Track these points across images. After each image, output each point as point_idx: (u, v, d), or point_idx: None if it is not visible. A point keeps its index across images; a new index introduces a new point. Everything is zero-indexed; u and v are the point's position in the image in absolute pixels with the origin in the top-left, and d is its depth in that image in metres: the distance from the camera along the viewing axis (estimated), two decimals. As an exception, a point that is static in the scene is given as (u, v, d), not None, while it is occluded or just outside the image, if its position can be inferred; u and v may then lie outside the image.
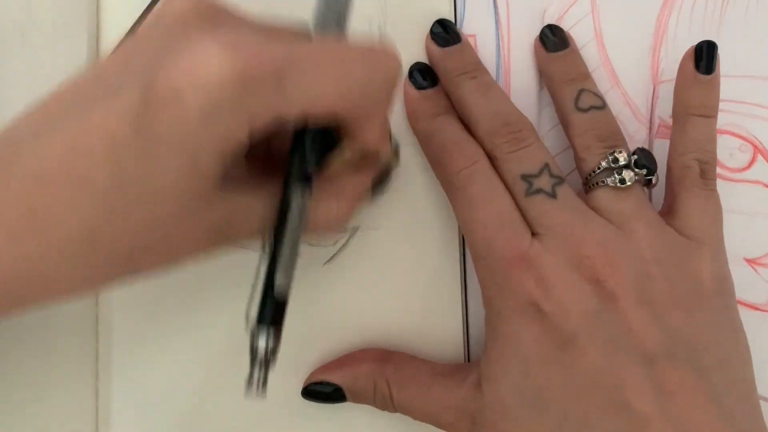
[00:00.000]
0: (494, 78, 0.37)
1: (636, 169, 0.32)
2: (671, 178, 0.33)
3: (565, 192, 0.32)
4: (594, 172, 0.32)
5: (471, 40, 0.38)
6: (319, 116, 0.26)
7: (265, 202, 0.29)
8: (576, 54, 0.36)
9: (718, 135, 0.35)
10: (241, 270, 0.39)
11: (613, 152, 0.32)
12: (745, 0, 0.35)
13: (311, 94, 0.25)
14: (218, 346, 0.39)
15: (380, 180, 0.36)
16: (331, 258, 0.39)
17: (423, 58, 0.38)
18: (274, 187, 0.29)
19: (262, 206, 0.29)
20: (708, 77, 0.33)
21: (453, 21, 0.38)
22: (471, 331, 0.38)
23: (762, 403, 0.34)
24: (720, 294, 0.31)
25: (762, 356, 0.33)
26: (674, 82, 0.34)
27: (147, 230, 0.25)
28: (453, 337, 0.38)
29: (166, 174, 0.24)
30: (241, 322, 0.37)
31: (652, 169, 0.32)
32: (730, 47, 0.35)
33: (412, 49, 0.38)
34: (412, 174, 0.38)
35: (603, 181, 0.32)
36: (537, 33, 0.37)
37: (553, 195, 0.31)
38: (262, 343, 0.28)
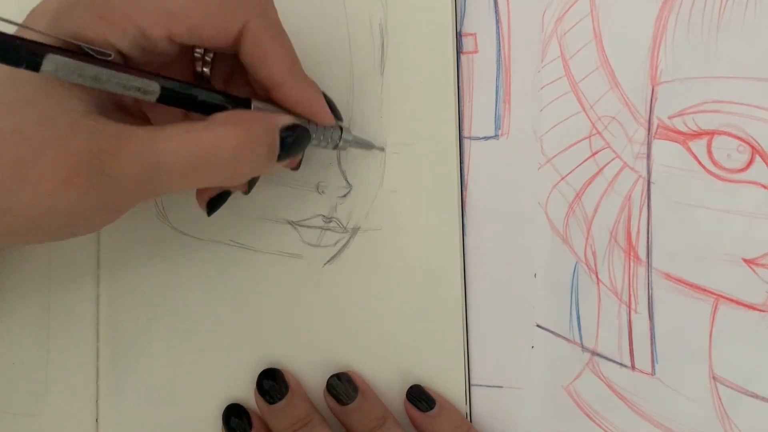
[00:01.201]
0: (494, 78, 0.38)
1: None
2: None
3: None
4: None
5: (471, 39, 0.38)
6: (182, 34, 0.29)
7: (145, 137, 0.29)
8: (371, 398, 0.37)
9: (717, 135, 0.35)
10: (240, 269, 0.39)
11: None
12: (744, 0, 0.35)
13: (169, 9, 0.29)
14: (217, 342, 0.39)
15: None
16: (332, 258, 0.39)
17: (424, 59, 0.38)
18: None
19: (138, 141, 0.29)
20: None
21: (454, 20, 0.38)
22: (470, 330, 0.38)
23: (761, 403, 0.34)
24: None
25: (761, 356, 0.33)
26: (674, 82, 0.34)
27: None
28: (452, 337, 0.38)
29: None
30: (241, 322, 0.37)
31: None
32: (729, 48, 0.35)
33: (414, 48, 0.38)
34: (411, 175, 0.38)
35: None
36: (537, 33, 0.37)
37: None
38: None
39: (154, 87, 0.29)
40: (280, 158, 0.31)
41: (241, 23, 0.30)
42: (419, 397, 0.37)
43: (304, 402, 0.37)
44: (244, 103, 0.31)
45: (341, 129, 0.35)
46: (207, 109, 0.30)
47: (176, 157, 0.28)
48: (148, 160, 0.28)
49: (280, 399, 0.36)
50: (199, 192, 0.35)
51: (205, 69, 0.33)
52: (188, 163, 0.28)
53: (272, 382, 0.37)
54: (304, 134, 0.32)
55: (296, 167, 0.36)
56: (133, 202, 0.30)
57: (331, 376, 0.37)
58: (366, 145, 0.38)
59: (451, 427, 0.36)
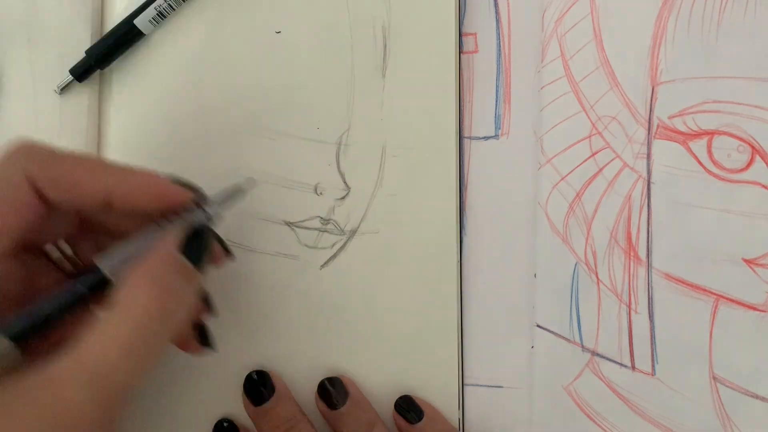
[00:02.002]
0: (494, 78, 0.37)
1: None
2: None
3: None
4: None
5: (471, 39, 0.37)
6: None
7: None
8: (361, 403, 0.37)
9: (717, 135, 0.35)
10: (236, 268, 0.38)
11: None
12: (744, 0, 0.35)
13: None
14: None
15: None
16: (329, 260, 0.38)
17: (426, 62, 0.38)
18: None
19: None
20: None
21: (457, 23, 0.37)
22: (469, 330, 0.38)
23: (761, 403, 0.34)
24: None
25: (761, 356, 0.33)
26: (674, 82, 0.34)
27: None
28: (448, 338, 0.38)
29: None
30: (236, 321, 0.37)
31: None
32: (728, 48, 0.35)
33: (417, 52, 0.38)
34: (409, 178, 0.38)
35: None
36: (537, 33, 0.37)
37: None
38: None
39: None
40: (201, 270, 0.29)
41: (21, 184, 0.27)
42: (408, 408, 0.37)
43: (291, 404, 0.37)
44: (93, 270, 0.28)
45: (204, 198, 0.31)
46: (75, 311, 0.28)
47: (110, 360, 0.26)
48: (84, 383, 0.25)
49: (266, 400, 0.36)
50: (179, 345, 0.33)
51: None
52: (125, 356, 0.26)
53: (259, 384, 0.37)
54: (199, 231, 0.30)
55: (229, 255, 0.34)
56: (98, 420, 0.26)
57: (323, 380, 0.37)
58: (236, 193, 0.32)
59: None
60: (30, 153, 0.28)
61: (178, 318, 0.28)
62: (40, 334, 0.27)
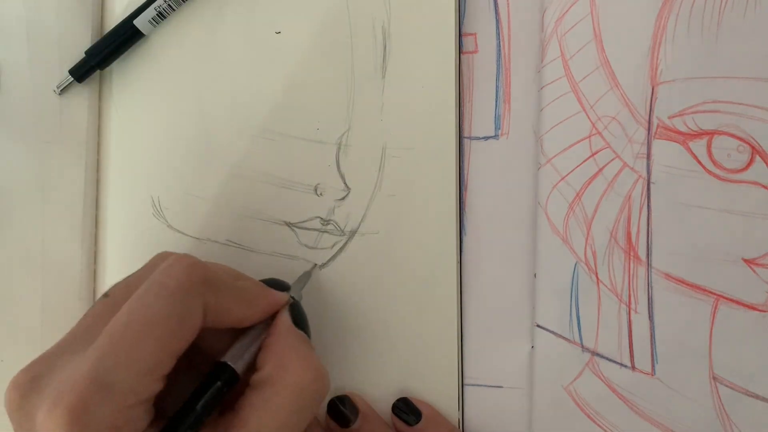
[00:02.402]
0: (494, 78, 0.37)
1: None
2: None
3: None
4: None
5: (471, 39, 0.37)
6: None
7: None
8: (371, 418, 0.37)
9: (717, 135, 0.35)
10: (237, 269, 0.38)
11: None
12: (744, 0, 0.35)
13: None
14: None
15: None
16: (329, 261, 0.38)
17: (426, 63, 0.37)
18: None
19: None
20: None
21: (457, 24, 0.37)
22: (465, 333, 0.38)
23: (761, 403, 0.34)
24: None
25: (761, 356, 0.33)
26: (674, 82, 0.34)
27: None
28: (448, 338, 0.38)
29: None
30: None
31: None
32: (728, 48, 0.35)
33: (417, 53, 0.38)
34: (409, 179, 0.38)
35: None
36: (537, 33, 0.37)
37: None
38: None
39: None
40: (309, 335, 0.33)
41: (199, 317, 0.29)
42: (405, 410, 0.37)
43: (379, 424, 0.37)
44: (222, 368, 0.31)
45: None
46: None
47: None
48: None
49: (352, 422, 0.37)
50: None
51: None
52: None
53: (342, 407, 0.37)
54: (299, 308, 0.34)
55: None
56: None
57: (332, 399, 0.37)
58: (307, 277, 0.38)
59: None
60: (205, 281, 0.30)
61: (325, 379, 0.30)
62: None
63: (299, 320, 0.33)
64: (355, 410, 0.37)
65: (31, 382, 0.27)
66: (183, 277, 0.29)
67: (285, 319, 0.32)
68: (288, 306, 0.33)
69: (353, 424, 0.36)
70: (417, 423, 0.36)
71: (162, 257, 0.32)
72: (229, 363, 0.30)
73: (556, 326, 0.37)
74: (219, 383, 0.30)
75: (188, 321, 0.28)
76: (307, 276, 0.38)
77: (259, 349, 0.31)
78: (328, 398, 0.37)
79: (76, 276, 0.40)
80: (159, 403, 0.29)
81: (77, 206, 0.40)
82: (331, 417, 0.37)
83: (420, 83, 0.37)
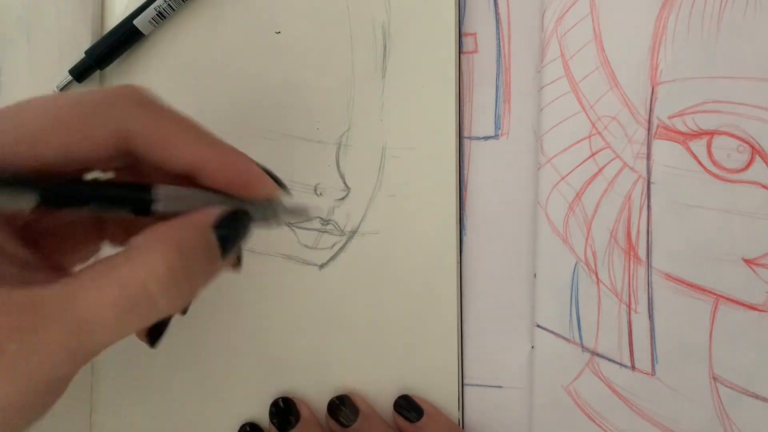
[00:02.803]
0: (494, 78, 0.37)
1: None
2: None
3: None
4: None
5: (471, 39, 0.37)
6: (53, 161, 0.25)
7: None
8: (372, 417, 0.37)
9: (717, 135, 0.35)
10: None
11: None
12: (744, 1, 0.35)
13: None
14: (210, 342, 0.39)
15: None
16: (328, 261, 0.38)
17: (426, 63, 0.37)
18: None
19: None
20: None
21: (457, 24, 0.37)
22: (465, 333, 0.38)
23: (761, 403, 0.34)
24: None
25: (762, 356, 0.33)
26: (674, 82, 0.34)
27: None
28: (448, 338, 0.37)
29: None
30: (235, 322, 0.37)
31: None
32: (728, 48, 0.35)
33: (416, 53, 0.38)
34: (409, 179, 0.38)
35: None
36: (537, 33, 0.37)
37: None
38: None
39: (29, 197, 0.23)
40: (224, 258, 0.26)
41: (113, 128, 0.25)
42: (407, 407, 0.37)
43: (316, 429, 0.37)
44: (145, 189, 0.26)
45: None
46: (107, 207, 0.25)
47: (102, 311, 0.23)
48: (71, 328, 0.23)
49: (292, 427, 0.37)
50: None
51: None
52: (117, 313, 0.23)
53: (285, 411, 0.37)
54: (244, 220, 0.27)
55: (238, 265, 0.30)
56: (66, 376, 0.24)
57: (332, 399, 0.37)
58: (302, 213, 0.31)
59: None
60: (134, 102, 0.26)
61: (181, 295, 0.25)
62: (70, 206, 0.25)
63: (230, 232, 0.26)
64: (355, 410, 0.37)
65: None
66: (115, 88, 0.26)
67: (212, 213, 0.26)
68: (234, 206, 0.27)
69: (354, 423, 0.36)
70: (418, 420, 0.36)
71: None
72: (153, 188, 0.26)
73: (556, 326, 0.37)
74: (125, 188, 0.25)
75: (91, 123, 0.24)
76: (303, 210, 0.31)
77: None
78: (328, 399, 0.37)
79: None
80: None
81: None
82: (331, 417, 0.37)
83: (420, 83, 0.37)
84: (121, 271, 0.23)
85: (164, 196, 0.26)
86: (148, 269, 0.24)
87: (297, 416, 0.37)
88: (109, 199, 0.25)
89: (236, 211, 0.26)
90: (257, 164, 0.28)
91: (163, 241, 0.24)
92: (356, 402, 0.37)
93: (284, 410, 0.37)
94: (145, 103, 0.26)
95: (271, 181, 0.28)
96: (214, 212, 0.26)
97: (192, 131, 0.27)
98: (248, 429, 0.38)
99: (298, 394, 0.38)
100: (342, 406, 0.37)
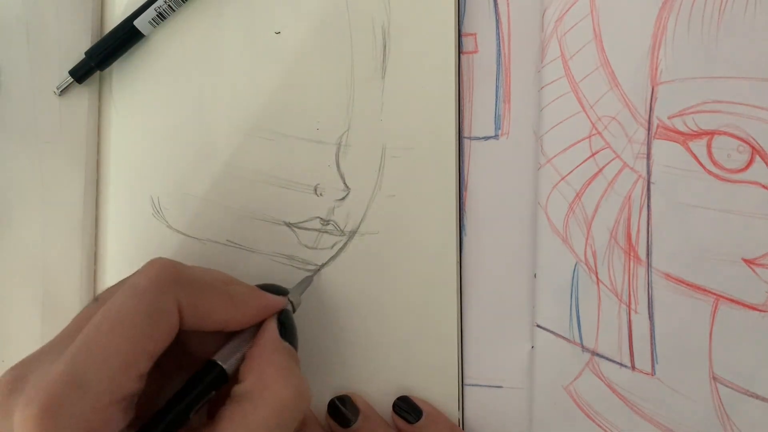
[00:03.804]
0: (494, 78, 0.37)
1: None
2: None
3: None
4: None
5: (471, 39, 0.37)
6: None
7: None
8: (372, 418, 0.37)
9: (717, 135, 0.35)
10: (237, 269, 0.38)
11: None
12: (744, 1, 0.35)
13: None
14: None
15: None
16: (328, 261, 0.38)
17: (426, 63, 0.37)
18: None
19: None
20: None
21: (457, 24, 0.37)
22: (465, 333, 0.38)
23: (761, 403, 0.34)
24: None
25: (761, 356, 0.33)
26: (674, 82, 0.34)
27: None
28: (448, 338, 0.38)
29: None
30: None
31: None
32: (728, 48, 0.35)
33: (416, 53, 0.38)
34: (409, 179, 0.38)
35: None
36: (537, 33, 0.37)
37: None
38: None
39: None
40: (295, 346, 0.33)
41: (175, 321, 0.29)
42: (406, 408, 0.37)
43: (378, 423, 0.37)
44: (212, 368, 0.30)
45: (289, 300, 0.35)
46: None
47: None
48: None
49: (352, 422, 0.37)
50: None
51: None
52: None
53: (343, 407, 0.37)
54: (288, 318, 0.33)
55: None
56: None
57: (332, 399, 0.37)
58: (307, 283, 0.38)
59: None
60: (179, 281, 0.29)
61: (305, 395, 0.30)
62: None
63: (287, 330, 0.33)
64: (355, 410, 0.37)
65: (13, 382, 0.27)
66: (154, 275, 0.29)
67: (271, 328, 0.32)
68: (277, 315, 0.33)
69: (354, 424, 0.36)
70: (418, 421, 0.36)
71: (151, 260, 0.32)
72: (217, 361, 0.30)
73: (556, 326, 0.37)
74: (204, 381, 0.30)
75: (160, 319, 0.28)
76: (308, 281, 0.38)
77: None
78: (328, 399, 0.37)
79: (76, 276, 0.40)
80: (145, 404, 0.29)
81: (77, 206, 0.40)
82: (331, 417, 0.37)
83: (420, 83, 0.37)
84: (258, 416, 0.28)
85: (229, 362, 0.31)
86: (280, 399, 0.29)
87: (356, 410, 0.37)
88: (193, 405, 0.29)
89: (281, 317, 0.33)
90: (264, 292, 0.33)
91: (272, 374, 0.30)
92: (356, 402, 0.37)
93: (342, 406, 0.37)
94: (184, 279, 0.30)
95: (276, 297, 0.33)
96: (272, 329, 0.32)
97: (221, 294, 0.31)
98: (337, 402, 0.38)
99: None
100: (342, 407, 0.37)
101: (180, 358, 0.32)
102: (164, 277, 0.29)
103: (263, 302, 0.33)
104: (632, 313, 0.36)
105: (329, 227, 0.38)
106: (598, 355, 0.36)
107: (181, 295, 0.29)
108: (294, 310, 0.35)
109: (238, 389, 0.29)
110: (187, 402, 0.29)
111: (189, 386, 0.30)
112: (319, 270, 0.38)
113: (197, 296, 0.30)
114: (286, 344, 0.32)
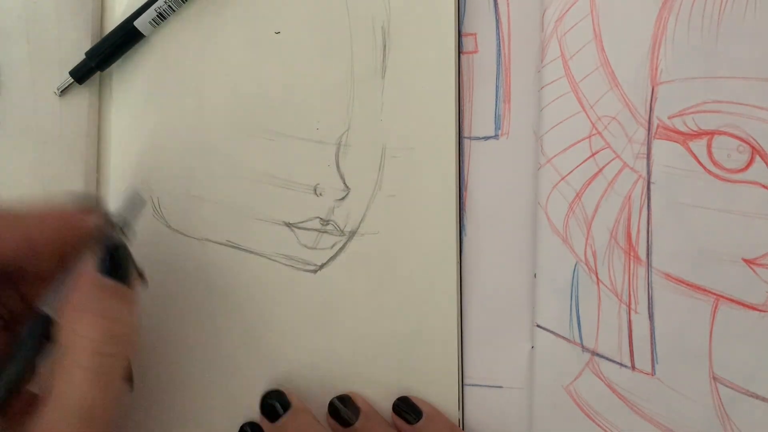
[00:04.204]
0: (494, 78, 0.37)
1: None
2: None
3: None
4: None
5: (471, 39, 0.37)
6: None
7: None
8: (373, 417, 0.37)
9: (717, 135, 0.35)
10: (236, 270, 0.38)
11: None
12: (744, 1, 0.35)
13: None
14: (209, 342, 0.39)
15: None
16: (328, 261, 0.38)
17: (426, 63, 0.37)
18: None
19: None
20: None
21: (457, 24, 0.37)
22: (465, 333, 0.38)
23: (761, 403, 0.34)
24: None
25: (761, 356, 0.33)
26: (674, 82, 0.34)
27: None
28: (448, 338, 0.38)
29: None
30: (234, 323, 0.36)
31: None
32: (728, 48, 0.35)
33: (416, 52, 0.38)
34: (409, 179, 0.38)
35: None
36: (537, 33, 0.37)
37: None
38: None
39: None
40: (131, 286, 0.29)
41: None
42: (406, 409, 0.37)
43: (306, 416, 0.37)
44: (40, 317, 0.29)
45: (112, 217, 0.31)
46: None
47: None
48: None
49: (281, 416, 0.36)
50: None
51: None
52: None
53: (274, 401, 0.37)
54: (117, 249, 0.29)
55: (143, 279, 0.32)
56: None
57: (332, 399, 0.37)
58: (136, 201, 0.33)
59: None
60: None
61: (128, 339, 0.28)
62: (18, 393, 0.28)
63: (116, 265, 0.29)
64: (356, 410, 0.37)
65: None
66: None
67: (89, 262, 0.28)
68: (100, 244, 0.29)
69: (355, 423, 0.36)
70: (418, 421, 0.36)
71: None
72: (42, 309, 0.28)
73: (556, 326, 0.37)
74: (32, 333, 0.28)
75: None
76: (137, 199, 0.33)
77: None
78: (328, 399, 0.37)
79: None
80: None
81: (77, 207, 0.40)
82: (332, 417, 0.37)
83: (420, 83, 0.37)
84: (74, 369, 0.26)
85: (53, 307, 0.28)
86: (90, 347, 0.27)
87: (287, 405, 0.37)
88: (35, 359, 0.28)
89: (103, 248, 0.29)
90: (71, 201, 0.30)
91: (81, 319, 0.27)
92: (357, 401, 0.37)
93: (272, 403, 0.37)
94: None
95: (84, 213, 0.30)
96: (89, 264, 0.28)
97: (7, 218, 0.28)
98: (248, 429, 0.38)
99: (297, 394, 0.38)
100: (343, 406, 0.37)
101: (23, 311, 0.30)
102: None
103: (69, 220, 0.29)
104: (632, 313, 0.36)
105: (329, 227, 0.38)
106: (598, 355, 0.36)
107: None
108: (125, 235, 0.31)
109: (56, 340, 0.27)
110: (21, 358, 0.28)
111: (22, 342, 0.28)
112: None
113: None
114: (106, 280, 0.28)
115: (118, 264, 0.28)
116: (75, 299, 0.28)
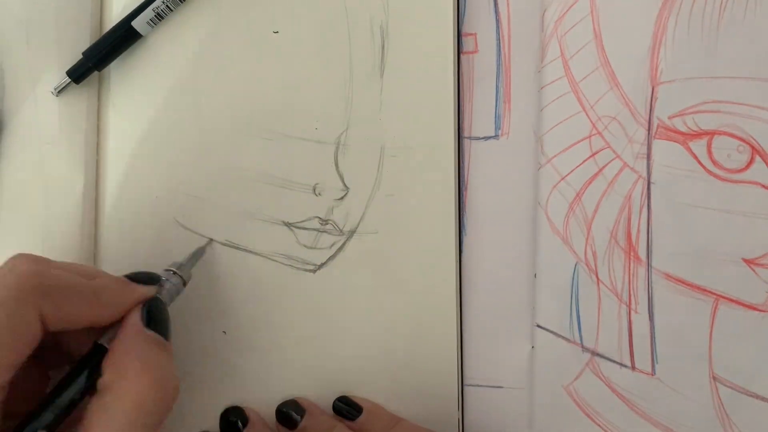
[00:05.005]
0: (494, 78, 0.37)
1: None
2: None
3: None
4: None
5: (471, 39, 0.37)
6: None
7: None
8: (315, 413, 0.37)
9: (717, 135, 0.35)
10: (235, 269, 0.38)
11: None
12: (744, 0, 0.35)
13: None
14: (209, 342, 0.39)
15: None
16: (327, 261, 0.38)
17: (424, 62, 0.37)
18: None
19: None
20: None
21: (455, 23, 0.37)
22: (465, 333, 0.38)
23: (761, 403, 0.34)
24: None
25: (761, 356, 0.33)
26: (674, 82, 0.34)
27: None
28: (448, 338, 0.38)
29: None
30: (233, 323, 0.37)
31: None
32: (728, 48, 0.35)
33: (415, 51, 0.38)
34: (408, 179, 0.38)
35: None
36: (537, 33, 0.37)
37: None
38: None
39: None
40: (169, 339, 0.32)
41: (36, 329, 0.28)
42: (345, 407, 0.37)
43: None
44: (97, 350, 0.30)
45: (172, 274, 0.35)
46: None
47: None
48: None
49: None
50: None
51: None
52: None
53: (235, 419, 0.38)
54: (157, 305, 0.32)
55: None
56: None
57: (278, 406, 0.38)
58: (199, 254, 0.37)
59: (382, 426, 0.37)
60: (40, 288, 0.28)
61: (169, 387, 0.30)
62: (65, 421, 0.29)
63: (155, 319, 0.32)
64: (300, 410, 0.37)
65: None
66: (14, 284, 0.28)
67: (132, 319, 0.31)
68: (143, 304, 0.32)
69: (300, 422, 0.37)
70: (359, 416, 0.37)
71: (12, 259, 0.31)
72: (102, 343, 0.30)
73: (556, 326, 0.37)
74: (89, 362, 0.29)
75: (21, 331, 0.28)
76: (199, 253, 0.37)
77: None
78: (328, 398, 0.37)
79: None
80: (24, 406, 0.29)
81: (77, 206, 0.39)
82: (279, 422, 0.37)
83: (418, 82, 0.37)
84: (116, 414, 0.28)
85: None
86: (136, 393, 0.28)
87: (245, 421, 0.38)
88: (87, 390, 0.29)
89: (146, 304, 0.32)
90: (132, 283, 0.33)
91: (128, 367, 0.29)
92: (300, 403, 0.38)
93: (232, 420, 0.38)
94: (47, 287, 0.29)
95: (141, 287, 0.33)
96: (135, 317, 0.31)
97: (88, 296, 0.30)
98: (231, 420, 0.38)
99: (297, 394, 0.38)
100: (287, 410, 0.37)
101: (58, 357, 0.32)
102: (25, 286, 0.28)
103: (130, 295, 0.32)
104: (632, 313, 0.36)
105: (328, 227, 0.38)
106: (598, 355, 0.36)
107: (44, 303, 0.28)
108: (185, 284, 0.35)
109: (100, 383, 0.29)
110: (73, 386, 0.29)
111: (72, 372, 0.29)
112: (211, 241, 0.38)
113: (60, 301, 0.29)
114: (151, 333, 0.31)
115: (158, 319, 0.32)
116: (122, 349, 0.30)
